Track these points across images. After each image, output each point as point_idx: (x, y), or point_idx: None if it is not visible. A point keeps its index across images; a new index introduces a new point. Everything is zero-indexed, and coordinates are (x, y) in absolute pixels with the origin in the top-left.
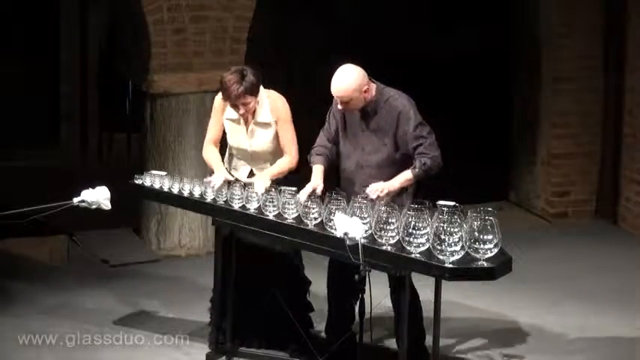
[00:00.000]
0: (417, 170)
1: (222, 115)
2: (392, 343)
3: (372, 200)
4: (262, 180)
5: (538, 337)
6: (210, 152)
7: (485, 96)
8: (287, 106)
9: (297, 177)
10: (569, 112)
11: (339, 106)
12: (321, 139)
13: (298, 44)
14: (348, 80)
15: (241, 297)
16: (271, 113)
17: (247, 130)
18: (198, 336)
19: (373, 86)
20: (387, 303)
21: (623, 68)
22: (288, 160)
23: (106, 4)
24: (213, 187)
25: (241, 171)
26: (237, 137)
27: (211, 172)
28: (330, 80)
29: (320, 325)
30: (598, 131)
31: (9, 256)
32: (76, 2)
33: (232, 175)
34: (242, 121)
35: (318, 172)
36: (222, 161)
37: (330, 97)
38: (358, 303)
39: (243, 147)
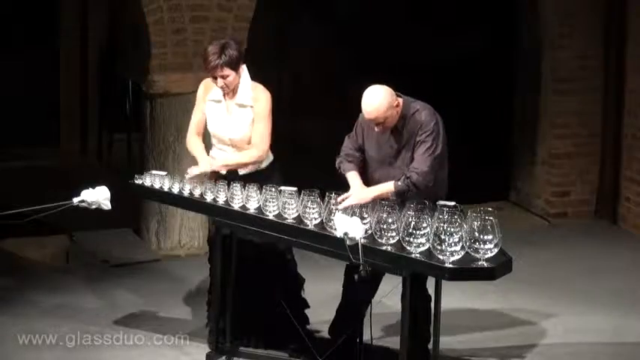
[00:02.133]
0: (399, 184)
1: (203, 101)
2: (392, 344)
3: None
4: (212, 162)
5: (538, 338)
6: (193, 142)
7: (486, 96)
8: (269, 101)
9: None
10: (569, 112)
11: (376, 129)
12: (348, 147)
13: (298, 44)
14: (377, 101)
15: (240, 297)
16: (252, 100)
17: (227, 110)
18: (198, 336)
19: (401, 100)
20: (387, 303)
21: (623, 68)
22: (253, 153)
23: (106, 4)
24: (189, 177)
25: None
26: (218, 121)
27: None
28: (327, 79)
29: (318, 324)
30: (598, 131)
31: (9, 256)
32: (76, 2)
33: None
34: (223, 101)
35: (356, 178)
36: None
37: (333, 98)
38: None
39: (222, 133)
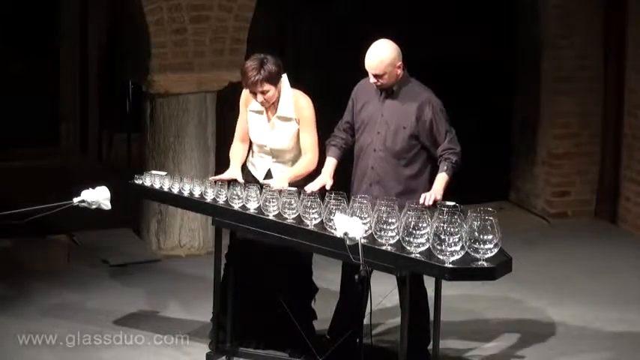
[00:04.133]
0: (449, 170)
1: (245, 110)
2: (392, 344)
3: (424, 206)
4: (280, 181)
5: (538, 338)
6: (234, 149)
7: (486, 96)
8: (311, 107)
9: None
10: (569, 112)
11: (372, 80)
12: (338, 130)
13: (299, 44)
14: (383, 54)
15: (241, 297)
16: (294, 110)
17: (269, 122)
18: (198, 336)
19: (403, 72)
20: (388, 303)
21: (623, 68)
22: (308, 162)
23: (106, 4)
24: (211, 181)
25: (259, 167)
26: (259, 131)
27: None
28: (327, 79)
29: (318, 324)
30: (598, 131)
31: (9, 256)
32: (76, 2)
33: (251, 174)
34: (265, 112)
35: (329, 166)
36: (246, 158)
37: (334, 98)
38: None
39: (263, 143)
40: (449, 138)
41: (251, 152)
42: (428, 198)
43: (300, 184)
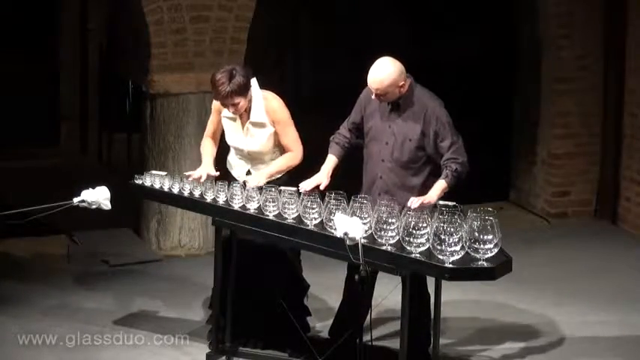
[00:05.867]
0: (449, 178)
1: (219, 113)
2: (392, 344)
3: (414, 210)
4: (257, 178)
5: (538, 338)
6: (204, 145)
7: (486, 96)
8: (284, 107)
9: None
10: (569, 112)
11: (373, 97)
12: (343, 128)
13: (299, 44)
14: (385, 74)
15: (241, 297)
16: (266, 114)
17: (243, 128)
18: (198, 336)
19: (408, 82)
20: (388, 303)
21: (623, 68)
22: (290, 157)
23: (106, 4)
24: (189, 179)
25: (238, 170)
26: (234, 136)
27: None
28: (327, 79)
29: (318, 324)
30: (598, 131)
31: (9, 256)
32: (76, 2)
33: (231, 174)
34: (238, 119)
35: (328, 164)
36: (226, 158)
37: (334, 98)
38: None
39: (239, 147)
40: (453, 149)
41: (230, 152)
42: (415, 201)
43: (283, 180)
